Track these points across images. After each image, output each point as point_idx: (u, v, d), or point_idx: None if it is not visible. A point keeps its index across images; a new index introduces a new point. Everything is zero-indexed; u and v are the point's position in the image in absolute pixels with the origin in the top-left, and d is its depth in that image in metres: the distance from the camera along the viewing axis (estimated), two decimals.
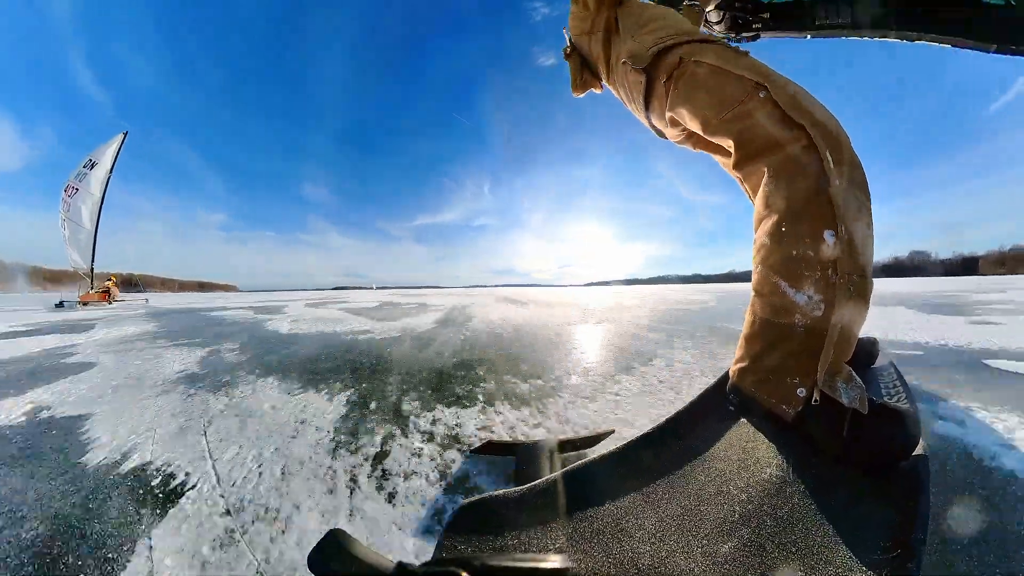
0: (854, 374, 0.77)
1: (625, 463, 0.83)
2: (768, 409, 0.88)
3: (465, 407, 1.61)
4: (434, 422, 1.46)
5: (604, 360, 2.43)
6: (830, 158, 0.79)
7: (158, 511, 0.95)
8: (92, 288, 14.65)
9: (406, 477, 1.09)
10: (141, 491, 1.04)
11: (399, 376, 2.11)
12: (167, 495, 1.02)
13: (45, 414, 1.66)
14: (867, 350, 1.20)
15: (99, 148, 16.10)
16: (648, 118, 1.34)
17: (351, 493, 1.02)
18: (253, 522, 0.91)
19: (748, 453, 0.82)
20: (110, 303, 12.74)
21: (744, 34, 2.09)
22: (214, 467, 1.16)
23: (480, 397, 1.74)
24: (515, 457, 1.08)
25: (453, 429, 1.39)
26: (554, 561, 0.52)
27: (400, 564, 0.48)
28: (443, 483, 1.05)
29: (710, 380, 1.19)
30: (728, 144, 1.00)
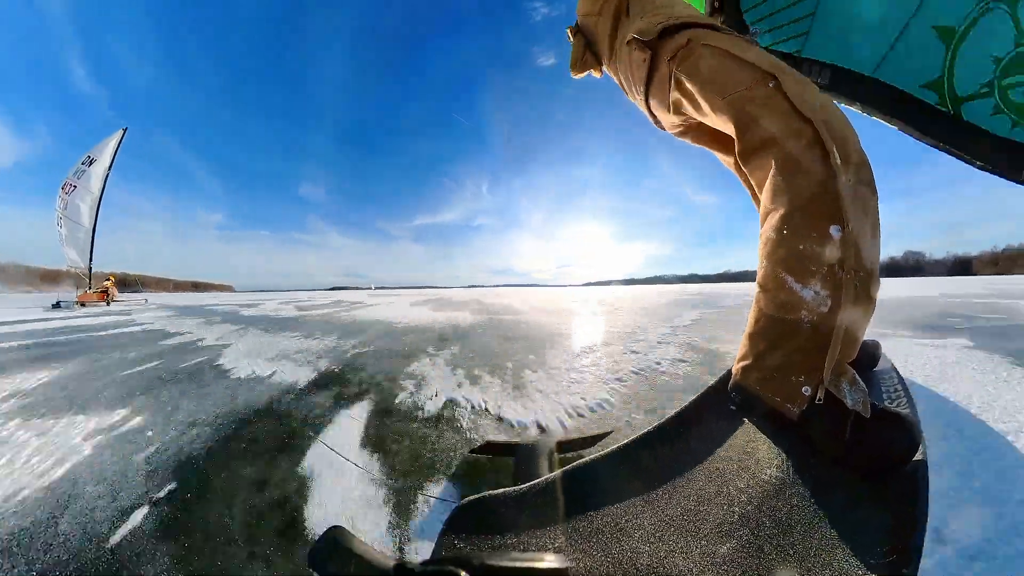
0: (857, 376, 0.76)
1: (624, 463, 0.83)
2: (771, 408, 0.86)
3: None
4: None
5: None
6: (837, 154, 0.79)
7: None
8: (90, 288, 14.51)
9: None
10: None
11: None
12: None
13: None
14: (870, 353, 1.18)
15: (98, 145, 15.99)
16: (647, 103, 1.31)
17: None
18: None
19: (748, 454, 0.81)
20: (108, 303, 12.65)
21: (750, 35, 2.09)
22: None
23: None
24: (514, 457, 1.08)
25: None
26: (553, 560, 0.52)
27: (399, 563, 0.48)
28: None
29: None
30: (731, 130, 0.97)
